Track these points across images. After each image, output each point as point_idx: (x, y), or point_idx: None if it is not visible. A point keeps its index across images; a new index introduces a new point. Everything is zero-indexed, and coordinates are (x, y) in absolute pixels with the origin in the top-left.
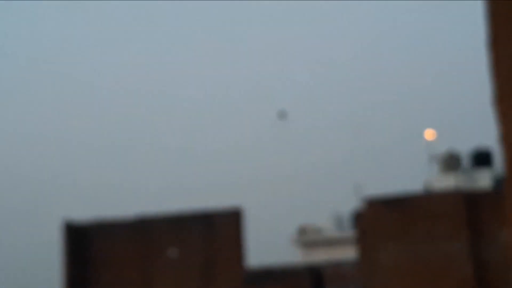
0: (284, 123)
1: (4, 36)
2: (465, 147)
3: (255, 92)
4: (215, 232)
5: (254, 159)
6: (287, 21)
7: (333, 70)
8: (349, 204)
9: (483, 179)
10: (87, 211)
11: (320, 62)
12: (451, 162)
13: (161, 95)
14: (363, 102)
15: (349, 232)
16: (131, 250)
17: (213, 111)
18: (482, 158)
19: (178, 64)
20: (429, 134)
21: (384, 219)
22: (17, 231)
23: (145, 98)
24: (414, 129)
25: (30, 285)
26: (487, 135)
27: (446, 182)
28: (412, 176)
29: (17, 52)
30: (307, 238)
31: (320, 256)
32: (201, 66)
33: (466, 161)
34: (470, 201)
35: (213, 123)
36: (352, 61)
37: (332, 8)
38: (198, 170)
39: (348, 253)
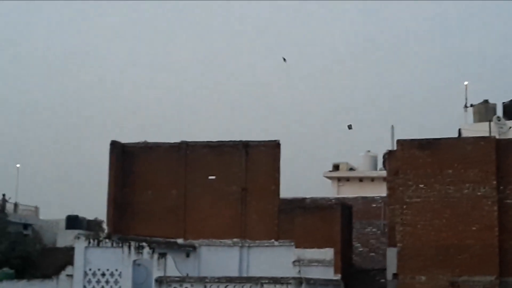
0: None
1: None
2: (500, 98)
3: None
4: (253, 160)
5: (297, 94)
6: None
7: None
8: (384, 145)
9: None
10: (133, 133)
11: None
12: (485, 113)
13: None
14: (409, 49)
15: (381, 172)
16: (173, 171)
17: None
18: None
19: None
20: (466, 84)
21: (415, 160)
22: (71, 149)
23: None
24: (452, 78)
25: (80, 198)
26: None
27: (480, 132)
28: (447, 124)
29: None
30: (340, 174)
31: (351, 192)
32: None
33: (500, 112)
34: (501, 147)
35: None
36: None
37: None
38: (238, 101)
39: (379, 191)
